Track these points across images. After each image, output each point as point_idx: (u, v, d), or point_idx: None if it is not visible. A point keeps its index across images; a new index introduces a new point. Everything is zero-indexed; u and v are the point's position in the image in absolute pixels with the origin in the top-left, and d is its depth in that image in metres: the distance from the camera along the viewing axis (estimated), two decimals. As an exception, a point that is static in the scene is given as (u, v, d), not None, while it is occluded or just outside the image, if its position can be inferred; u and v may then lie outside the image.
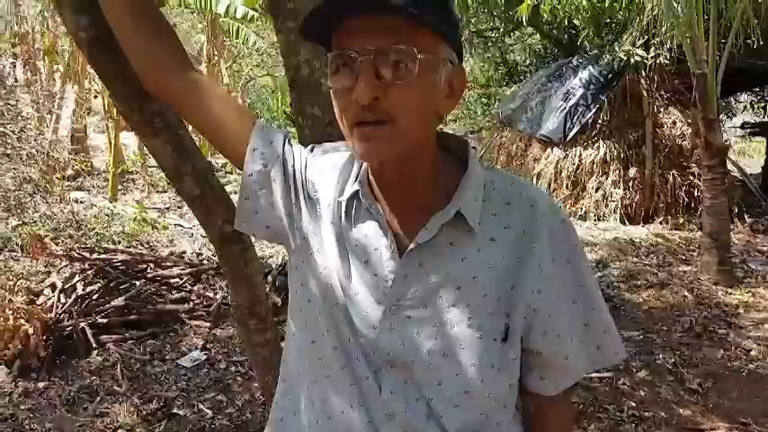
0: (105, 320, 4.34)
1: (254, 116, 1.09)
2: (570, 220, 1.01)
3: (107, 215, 7.37)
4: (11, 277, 4.61)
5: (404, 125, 0.86)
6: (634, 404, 3.54)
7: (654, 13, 7.01)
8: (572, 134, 8.89)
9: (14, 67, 10.85)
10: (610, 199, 8.62)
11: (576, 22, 10.31)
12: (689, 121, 8.62)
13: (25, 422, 3.26)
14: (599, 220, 8.55)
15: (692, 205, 8.31)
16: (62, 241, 5.83)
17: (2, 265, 4.96)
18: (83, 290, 4.55)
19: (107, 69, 1.22)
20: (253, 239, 1.60)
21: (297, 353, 1.07)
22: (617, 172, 8.66)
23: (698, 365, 4.11)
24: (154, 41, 1.04)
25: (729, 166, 8.27)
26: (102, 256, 5.22)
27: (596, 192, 8.71)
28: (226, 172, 10.54)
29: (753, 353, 4.30)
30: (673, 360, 4.15)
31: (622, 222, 8.43)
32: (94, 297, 4.53)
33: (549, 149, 9.17)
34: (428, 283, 0.93)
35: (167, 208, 9.13)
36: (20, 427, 3.23)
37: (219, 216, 1.47)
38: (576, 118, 8.92)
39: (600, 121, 8.88)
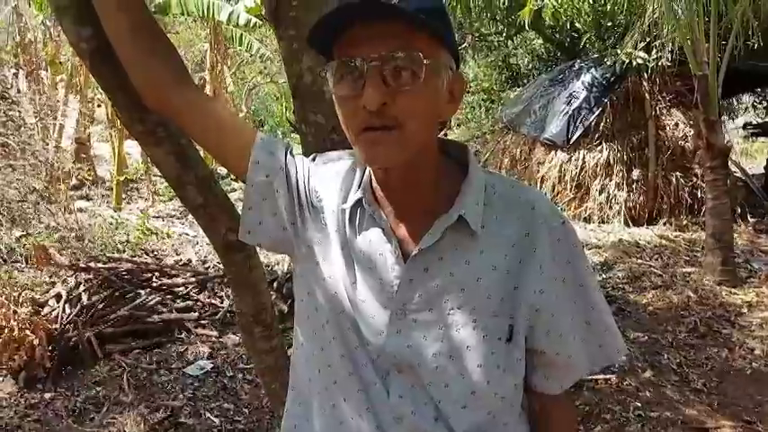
0: (111, 330, 4.34)
1: (255, 129, 1.10)
2: (570, 221, 1.03)
3: (111, 224, 7.38)
4: (16, 288, 4.60)
5: (411, 130, 0.87)
6: (639, 404, 3.54)
7: (655, 15, 7.02)
8: (575, 137, 8.87)
9: (17, 77, 10.88)
10: (613, 201, 8.60)
11: (577, 25, 10.34)
12: (691, 122, 8.60)
13: (32, 433, 3.27)
14: (603, 222, 8.53)
15: (696, 206, 8.28)
16: (67, 251, 5.83)
17: (6, 276, 4.96)
18: (88, 300, 4.54)
19: (109, 80, 1.22)
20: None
21: (305, 360, 1.08)
22: (620, 174, 8.64)
23: (703, 365, 4.10)
24: (152, 56, 1.04)
25: (732, 167, 8.25)
26: (107, 265, 5.21)
27: (600, 194, 8.69)
28: (231, 179, 10.53)
29: (757, 352, 4.30)
30: (678, 360, 4.15)
31: (626, 224, 8.41)
32: (100, 307, 4.51)
33: (552, 153, 9.15)
34: (433, 287, 0.94)
35: (172, 216, 9.14)
36: (27, 437, 3.24)
37: (223, 224, 1.47)
38: (579, 121, 8.91)
39: (603, 124, 8.86)
